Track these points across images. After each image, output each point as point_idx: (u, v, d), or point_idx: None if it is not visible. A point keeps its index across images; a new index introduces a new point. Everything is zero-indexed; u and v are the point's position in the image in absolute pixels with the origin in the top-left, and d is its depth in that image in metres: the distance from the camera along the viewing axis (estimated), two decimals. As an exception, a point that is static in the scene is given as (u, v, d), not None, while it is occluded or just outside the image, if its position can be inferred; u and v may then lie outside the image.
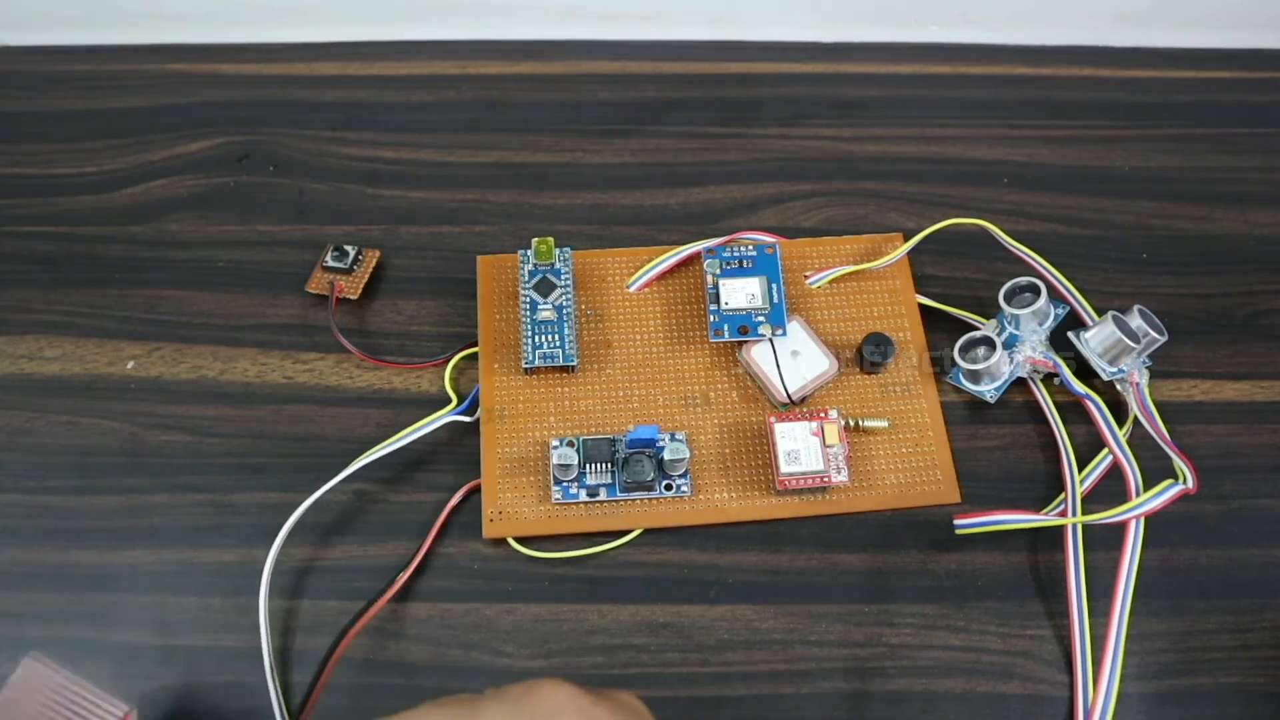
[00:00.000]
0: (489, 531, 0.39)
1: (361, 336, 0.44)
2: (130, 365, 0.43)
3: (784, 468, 0.39)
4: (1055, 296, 0.43)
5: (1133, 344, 0.39)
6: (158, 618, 0.38)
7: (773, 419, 0.40)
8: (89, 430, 0.42)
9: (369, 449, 0.40)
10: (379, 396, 0.43)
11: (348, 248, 0.45)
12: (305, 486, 0.39)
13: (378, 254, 0.46)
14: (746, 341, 0.42)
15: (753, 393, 0.42)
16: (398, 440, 0.40)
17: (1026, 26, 0.54)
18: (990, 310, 0.43)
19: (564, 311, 0.42)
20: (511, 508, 0.39)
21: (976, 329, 0.42)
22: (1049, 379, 0.42)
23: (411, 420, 0.41)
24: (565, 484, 0.39)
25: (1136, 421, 0.40)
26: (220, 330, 0.44)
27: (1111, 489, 0.39)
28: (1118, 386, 0.41)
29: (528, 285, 0.43)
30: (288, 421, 0.42)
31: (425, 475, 0.41)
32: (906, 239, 0.45)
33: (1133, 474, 0.38)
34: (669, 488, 0.40)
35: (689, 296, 0.44)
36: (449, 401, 0.42)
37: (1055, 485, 0.40)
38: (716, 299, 0.42)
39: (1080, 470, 0.40)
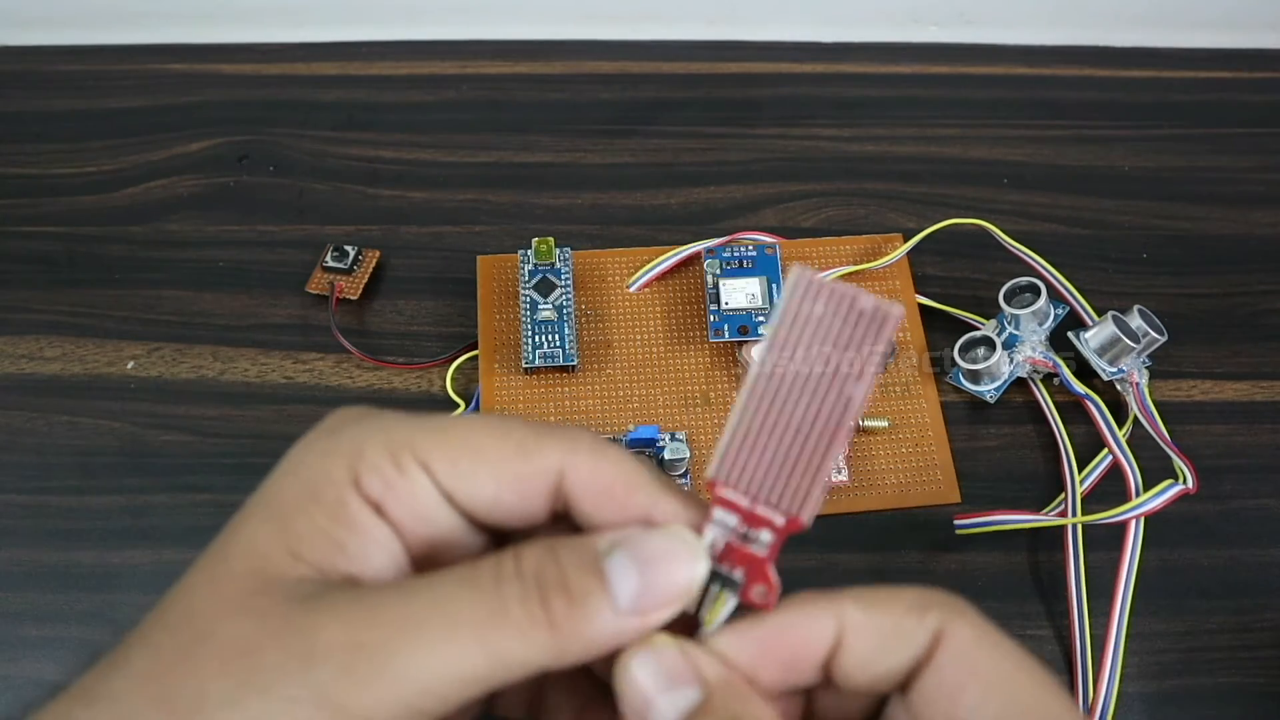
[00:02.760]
0: (489, 531, 0.39)
1: (361, 337, 0.44)
2: (130, 365, 0.43)
3: (784, 468, 0.39)
4: (1055, 296, 0.43)
5: (1132, 344, 0.39)
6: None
7: (773, 419, 0.40)
8: (89, 430, 0.42)
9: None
10: (379, 397, 0.43)
11: (348, 248, 0.45)
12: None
13: (378, 254, 0.46)
14: (746, 341, 0.42)
15: (753, 393, 0.42)
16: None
17: (1026, 26, 0.54)
18: (990, 310, 0.43)
19: (564, 311, 0.42)
20: (511, 508, 0.39)
21: (976, 329, 0.42)
22: (1049, 379, 0.42)
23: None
24: (565, 484, 0.39)
25: (1136, 421, 0.40)
26: (220, 330, 0.44)
27: (1111, 489, 0.39)
28: (1118, 386, 0.41)
29: (528, 285, 0.43)
30: (288, 422, 0.42)
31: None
32: (906, 239, 0.45)
33: (1133, 474, 0.38)
34: (669, 488, 0.39)
35: (689, 296, 0.44)
36: (449, 402, 0.42)
37: (1055, 485, 0.40)
38: (716, 299, 0.42)
39: (1080, 470, 0.40)
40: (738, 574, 0.17)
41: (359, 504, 0.18)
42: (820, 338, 0.16)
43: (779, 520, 0.17)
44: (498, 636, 0.16)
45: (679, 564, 0.17)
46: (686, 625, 0.18)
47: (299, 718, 0.16)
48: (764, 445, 0.17)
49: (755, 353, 0.16)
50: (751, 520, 0.17)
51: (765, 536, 0.17)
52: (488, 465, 0.18)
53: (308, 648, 0.16)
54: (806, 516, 0.17)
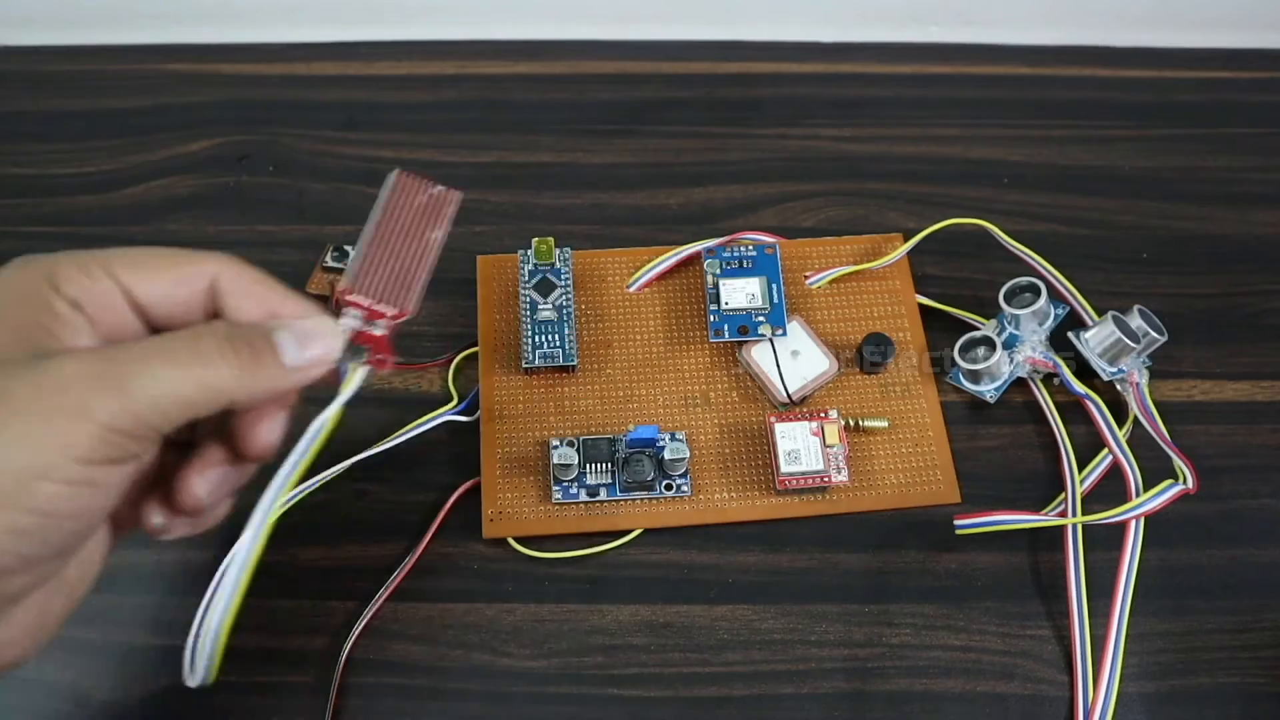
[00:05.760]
0: (489, 531, 0.39)
1: (361, 336, 0.44)
2: (130, 365, 0.43)
3: (784, 468, 0.39)
4: (1055, 296, 0.43)
5: (1133, 344, 0.40)
6: (157, 618, 0.38)
7: (773, 419, 0.40)
8: (89, 430, 0.42)
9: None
10: (378, 397, 0.43)
11: (348, 248, 0.45)
12: (305, 486, 0.39)
13: (378, 254, 0.46)
14: (746, 341, 0.42)
15: (753, 393, 0.42)
16: (396, 439, 0.40)
17: (1026, 26, 0.54)
18: (990, 310, 0.43)
19: (564, 311, 0.42)
20: (511, 508, 0.39)
21: (976, 329, 0.42)
22: (1049, 379, 0.42)
23: (411, 420, 0.41)
24: (565, 484, 0.39)
25: (1136, 421, 0.40)
26: (220, 330, 0.44)
27: (1111, 489, 0.39)
28: (1118, 386, 0.41)
29: (528, 285, 0.43)
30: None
31: (424, 475, 0.41)
32: (906, 239, 0.45)
33: (1133, 474, 0.38)
34: (669, 488, 0.40)
35: (689, 296, 0.44)
36: (449, 401, 0.42)
37: (1055, 485, 0.40)
38: (716, 299, 0.42)
39: (1080, 470, 0.40)
40: (366, 350, 0.27)
41: (61, 302, 0.23)
42: (411, 208, 0.27)
43: (391, 311, 0.27)
44: (201, 370, 0.23)
45: (324, 337, 0.25)
46: None
47: (57, 428, 0.21)
48: (378, 269, 0.27)
49: (372, 214, 0.28)
50: (373, 315, 0.27)
51: (383, 323, 0.27)
52: (160, 267, 0.25)
53: (55, 379, 0.21)
54: (411, 306, 0.27)
